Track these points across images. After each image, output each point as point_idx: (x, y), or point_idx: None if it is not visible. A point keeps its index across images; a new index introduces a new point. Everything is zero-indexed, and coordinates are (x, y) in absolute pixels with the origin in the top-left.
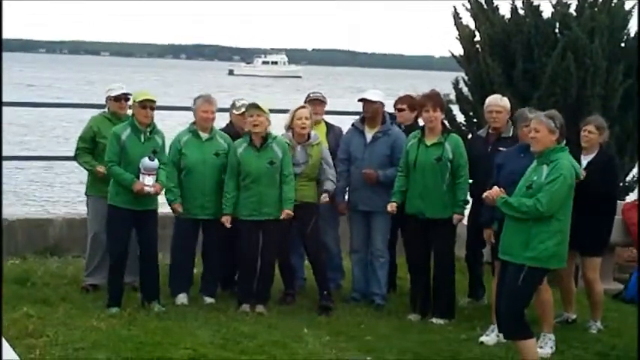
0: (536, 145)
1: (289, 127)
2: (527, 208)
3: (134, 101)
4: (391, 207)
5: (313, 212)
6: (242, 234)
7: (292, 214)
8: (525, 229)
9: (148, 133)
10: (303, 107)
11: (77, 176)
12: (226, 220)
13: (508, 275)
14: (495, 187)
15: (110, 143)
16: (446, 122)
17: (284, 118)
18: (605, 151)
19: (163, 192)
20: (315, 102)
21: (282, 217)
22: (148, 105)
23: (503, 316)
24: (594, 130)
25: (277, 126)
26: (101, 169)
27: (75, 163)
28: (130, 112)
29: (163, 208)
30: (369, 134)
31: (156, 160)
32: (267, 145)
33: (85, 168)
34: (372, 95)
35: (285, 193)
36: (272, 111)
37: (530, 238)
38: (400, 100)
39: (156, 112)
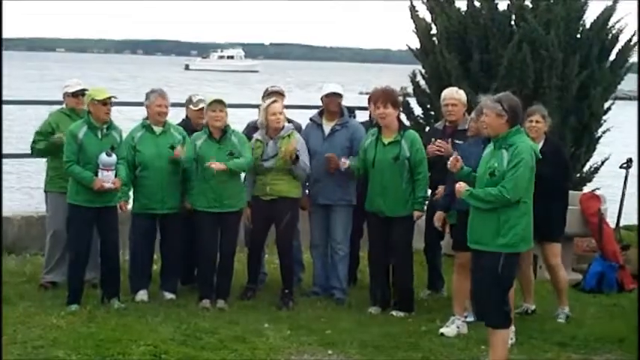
0: (487, 130)
1: (263, 123)
2: (494, 197)
3: (93, 99)
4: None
5: (288, 208)
6: (201, 227)
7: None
8: (494, 217)
9: (104, 130)
10: (275, 102)
11: (33, 174)
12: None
13: (485, 264)
14: (461, 182)
15: (67, 143)
16: (402, 117)
17: (232, 114)
18: (551, 139)
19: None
20: (275, 94)
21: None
22: (108, 102)
23: (486, 304)
24: (541, 120)
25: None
26: (60, 134)
27: (29, 160)
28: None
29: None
30: (327, 127)
31: (114, 156)
32: (227, 138)
33: (43, 151)
34: (338, 88)
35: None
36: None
37: (500, 224)
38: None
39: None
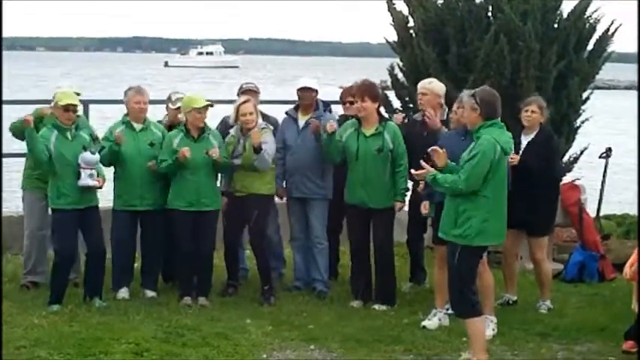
0: (464, 123)
1: (235, 121)
2: (449, 184)
3: (56, 103)
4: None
5: (256, 206)
6: (178, 226)
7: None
8: (454, 207)
9: (73, 130)
10: (246, 102)
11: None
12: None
13: (447, 253)
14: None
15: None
16: (382, 110)
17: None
18: (544, 129)
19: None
20: (249, 92)
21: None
22: (70, 108)
23: (451, 294)
24: (537, 110)
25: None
26: (29, 117)
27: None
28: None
29: (102, 203)
30: (301, 121)
31: (97, 154)
32: (204, 137)
33: (17, 127)
34: (311, 83)
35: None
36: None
37: (457, 215)
38: (348, 92)
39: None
